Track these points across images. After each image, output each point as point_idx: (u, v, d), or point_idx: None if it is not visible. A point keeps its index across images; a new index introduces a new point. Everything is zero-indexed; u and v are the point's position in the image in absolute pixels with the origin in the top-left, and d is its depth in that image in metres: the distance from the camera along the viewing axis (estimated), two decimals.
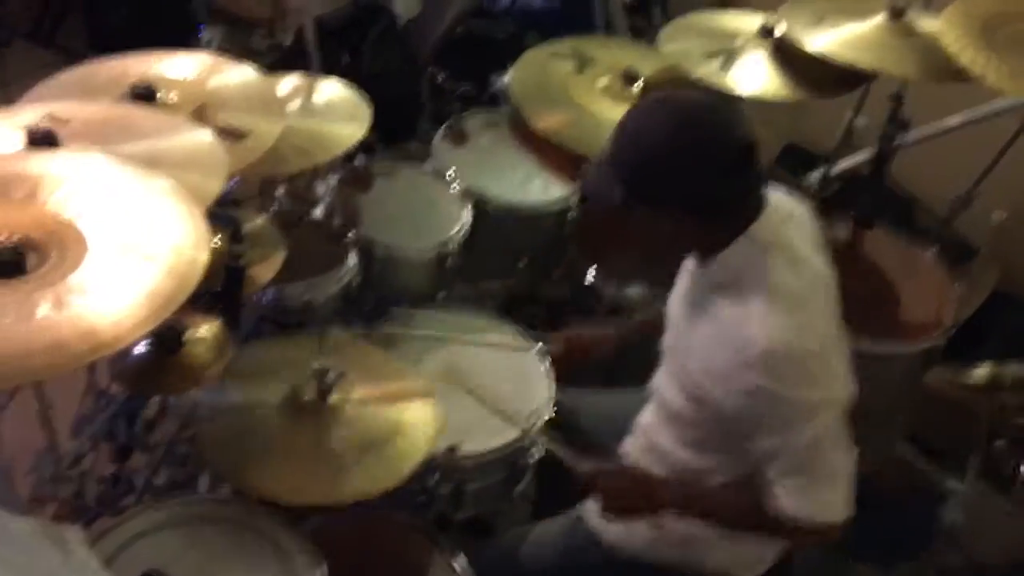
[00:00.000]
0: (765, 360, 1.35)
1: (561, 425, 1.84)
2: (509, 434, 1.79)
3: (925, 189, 2.91)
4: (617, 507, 1.58)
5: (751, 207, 1.43)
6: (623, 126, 1.42)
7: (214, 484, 1.77)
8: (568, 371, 1.88)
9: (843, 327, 1.52)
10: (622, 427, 1.75)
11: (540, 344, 1.92)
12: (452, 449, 1.73)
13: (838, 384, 1.43)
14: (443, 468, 1.74)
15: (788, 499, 1.44)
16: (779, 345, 1.35)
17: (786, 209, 1.51)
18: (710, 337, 1.45)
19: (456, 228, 2.11)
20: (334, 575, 1.45)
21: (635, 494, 1.57)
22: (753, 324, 1.37)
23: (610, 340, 1.89)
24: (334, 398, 1.61)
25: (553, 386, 1.87)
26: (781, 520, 1.45)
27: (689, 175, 1.37)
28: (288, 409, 1.62)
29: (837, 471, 1.44)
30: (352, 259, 2.00)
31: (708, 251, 1.45)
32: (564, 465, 1.69)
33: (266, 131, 1.73)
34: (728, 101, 1.45)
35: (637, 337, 1.85)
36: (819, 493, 1.43)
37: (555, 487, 1.99)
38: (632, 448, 1.71)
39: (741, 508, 1.52)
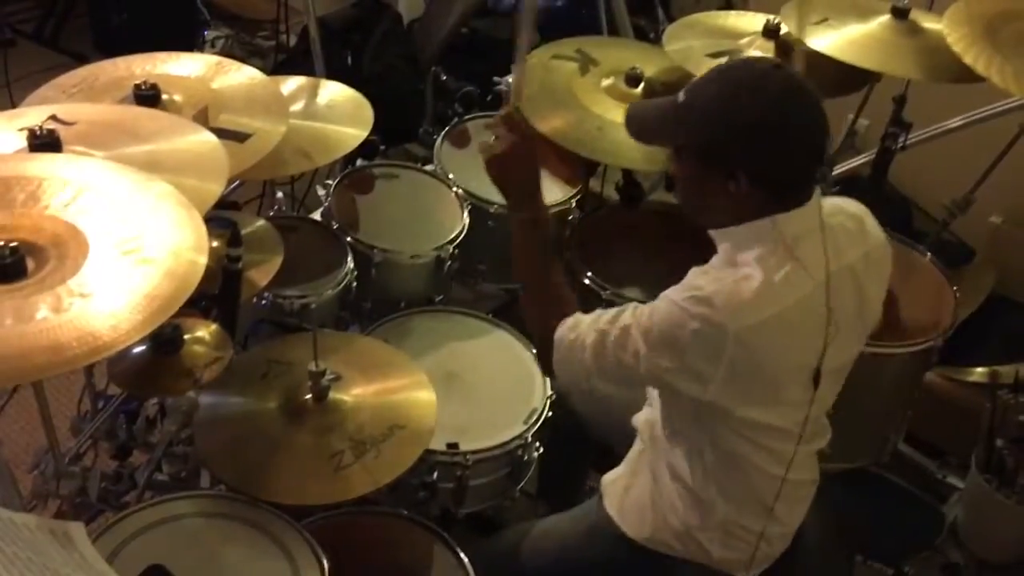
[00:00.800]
0: (697, 302, 1.35)
1: (561, 420, 1.84)
2: (510, 431, 1.80)
3: (923, 192, 2.91)
4: (499, 177, 1.62)
5: (800, 196, 1.42)
6: (715, 78, 1.40)
7: (216, 480, 1.77)
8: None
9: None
10: (619, 421, 1.75)
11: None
12: (453, 446, 1.73)
13: (717, 384, 1.38)
14: (445, 465, 1.74)
15: (573, 330, 1.46)
16: (712, 296, 1.34)
17: (828, 209, 1.47)
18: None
19: (455, 231, 2.11)
20: (337, 571, 1.45)
21: (516, 181, 1.61)
22: (711, 276, 1.38)
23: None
24: (332, 398, 1.61)
25: (550, 384, 1.87)
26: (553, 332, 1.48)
27: (777, 146, 1.36)
28: (286, 410, 1.62)
29: (594, 366, 1.44)
30: (350, 262, 1.99)
31: (731, 221, 1.43)
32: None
33: (268, 133, 1.73)
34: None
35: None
36: (580, 353, 1.45)
37: (557, 482, 2.00)
38: (639, 420, 1.71)
39: (543, 296, 1.55)
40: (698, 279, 1.41)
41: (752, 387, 1.41)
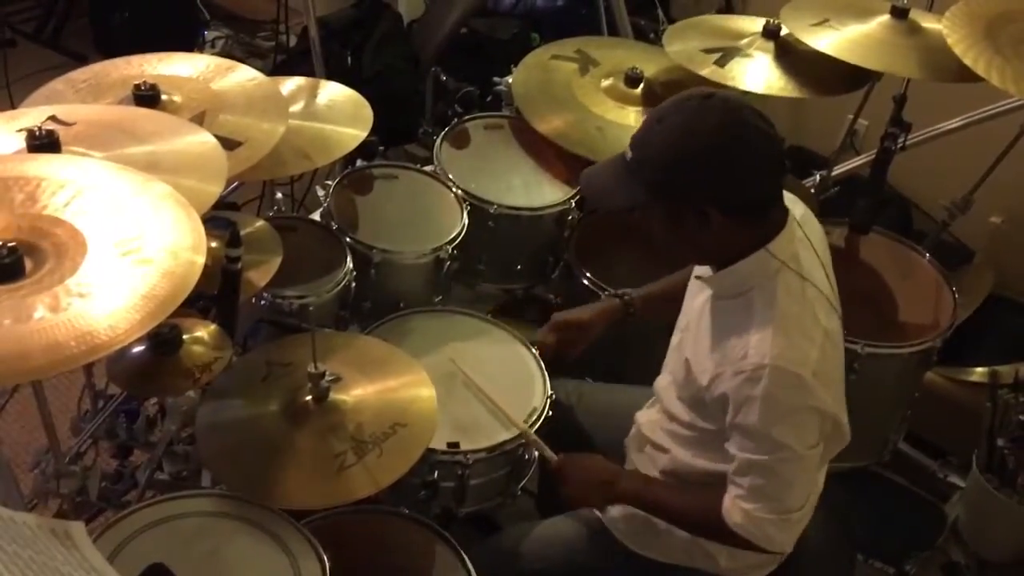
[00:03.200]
0: (758, 373, 1.37)
1: (559, 421, 1.84)
2: (510, 431, 1.80)
3: (923, 192, 2.91)
4: (576, 493, 1.63)
5: (777, 216, 1.45)
6: (655, 128, 1.41)
7: (217, 479, 1.78)
8: (562, 357, 1.88)
9: (842, 345, 1.53)
10: (620, 423, 1.75)
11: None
12: (454, 445, 1.73)
13: (826, 403, 1.43)
14: (446, 464, 1.75)
15: (736, 511, 1.45)
16: (772, 361, 1.37)
17: (800, 217, 1.51)
18: (712, 343, 1.46)
19: (454, 231, 2.11)
20: (337, 570, 1.45)
21: (594, 481, 1.62)
22: (753, 339, 1.39)
23: (606, 316, 1.86)
24: (332, 399, 1.62)
25: (550, 384, 1.87)
26: (728, 528, 1.46)
27: (731, 175, 1.38)
28: (287, 413, 1.62)
29: (792, 503, 1.45)
30: (350, 262, 2.00)
31: (728, 258, 1.46)
32: (538, 454, 1.75)
33: (267, 134, 1.73)
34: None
35: (636, 313, 1.85)
36: (767, 516, 1.44)
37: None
38: (630, 443, 1.71)
39: (694, 509, 1.54)
40: (738, 345, 1.41)
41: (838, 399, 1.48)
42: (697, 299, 1.56)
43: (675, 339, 1.64)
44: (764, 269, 1.43)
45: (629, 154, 1.43)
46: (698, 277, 1.56)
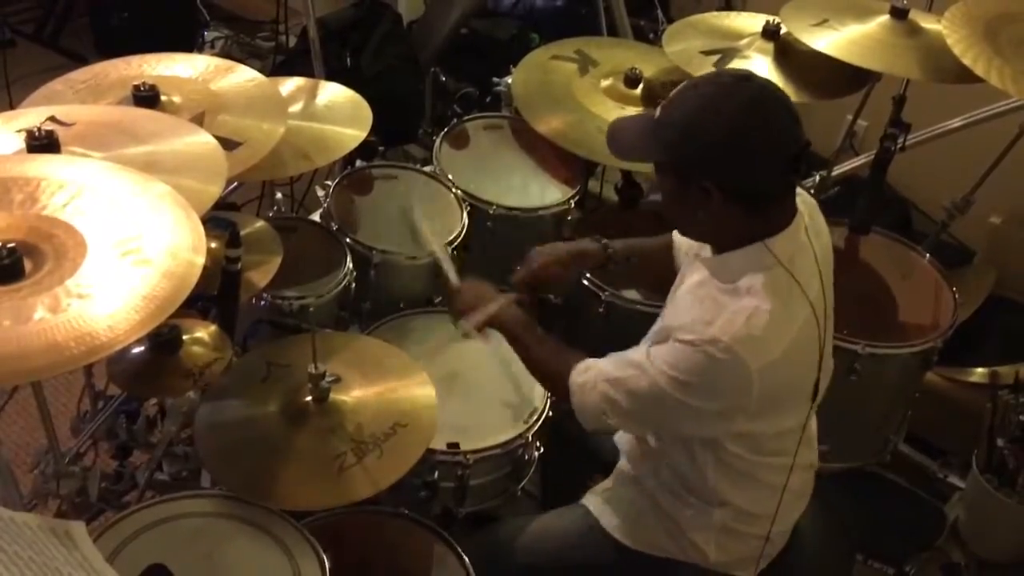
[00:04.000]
0: (711, 343, 1.37)
1: (559, 421, 1.84)
2: (510, 431, 1.80)
3: (922, 193, 2.91)
4: (466, 299, 1.73)
5: (783, 213, 1.44)
6: (687, 93, 1.42)
7: (216, 479, 1.77)
8: (544, 288, 1.91)
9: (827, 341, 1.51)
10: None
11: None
12: (454, 446, 1.73)
13: (744, 408, 1.42)
14: (446, 464, 1.75)
15: (585, 377, 1.51)
16: (731, 341, 1.36)
17: (810, 223, 1.50)
18: (689, 311, 1.46)
19: (454, 232, 2.11)
20: (337, 570, 1.45)
21: (482, 296, 1.71)
22: (725, 316, 1.39)
23: (584, 254, 1.83)
24: (332, 399, 1.62)
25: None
26: (565, 384, 1.54)
27: (740, 159, 1.38)
28: (287, 413, 1.62)
29: (622, 412, 1.48)
30: (349, 263, 2.00)
31: (725, 243, 1.46)
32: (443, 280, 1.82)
33: (267, 135, 1.74)
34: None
35: (614, 257, 1.83)
36: (599, 402, 1.49)
37: (558, 481, 2.00)
38: (621, 440, 1.72)
39: (550, 362, 1.61)
40: (705, 312, 1.41)
41: (771, 409, 1.45)
42: (691, 278, 1.55)
43: (661, 320, 1.65)
44: (758, 262, 1.43)
45: (657, 112, 1.44)
46: (697, 256, 1.56)
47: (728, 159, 1.38)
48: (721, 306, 1.41)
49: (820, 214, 1.58)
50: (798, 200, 1.48)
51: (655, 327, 1.60)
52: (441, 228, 2.12)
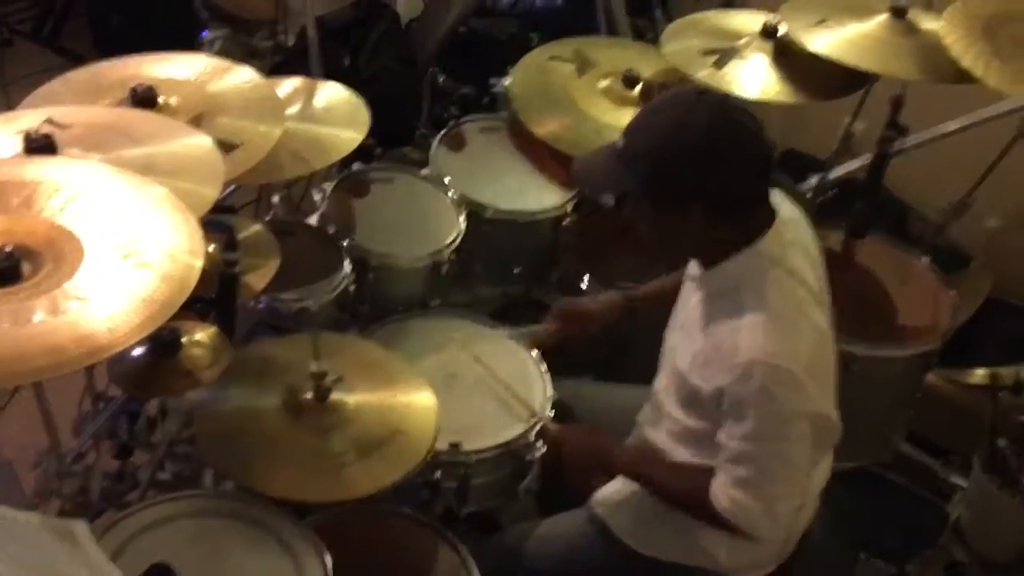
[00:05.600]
0: (749, 369, 1.37)
1: (559, 422, 1.84)
2: (511, 431, 1.80)
3: (919, 196, 2.90)
4: (576, 465, 1.66)
5: (763, 216, 1.46)
6: (649, 120, 1.43)
7: (219, 478, 1.78)
8: (567, 346, 1.88)
9: (835, 341, 1.53)
10: (619, 423, 1.75)
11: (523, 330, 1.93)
12: (455, 446, 1.74)
13: (818, 403, 1.44)
14: (447, 464, 1.75)
15: (723, 496, 1.46)
16: (765, 358, 1.37)
17: (789, 218, 1.52)
18: (704, 342, 1.47)
19: (452, 235, 2.11)
20: (339, 570, 1.45)
21: (592, 452, 1.65)
22: (744, 336, 1.39)
23: (610, 309, 1.86)
24: (333, 399, 1.62)
25: (551, 384, 1.88)
26: (714, 511, 1.48)
27: (718, 171, 1.39)
28: (288, 411, 1.62)
29: (777, 494, 1.45)
30: (347, 266, 2.00)
31: (714, 256, 1.46)
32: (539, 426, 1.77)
33: (264, 136, 1.73)
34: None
35: (639, 307, 1.86)
36: (753, 504, 1.44)
37: (560, 481, 2.00)
38: (631, 443, 1.72)
39: (684, 490, 1.55)
40: (728, 342, 1.41)
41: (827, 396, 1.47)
42: (691, 300, 1.56)
43: (670, 339, 1.65)
44: (753, 267, 1.44)
45: (621, 143, 1.45)
46: (690, 277, 1.57)
47: (706, 175, 1.39)
48: (733, 328, 1.41)
49: (789, 204, 1.57)
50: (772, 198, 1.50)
51: (669, 359, 1.61)
52: (438, 231, 2.12)
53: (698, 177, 1.39)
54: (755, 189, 1.43)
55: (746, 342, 1.39)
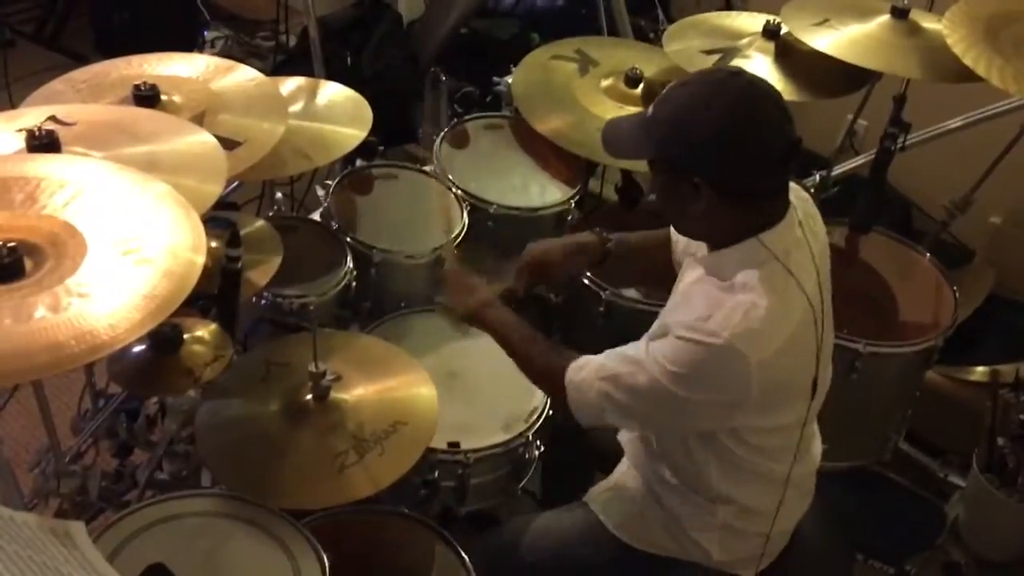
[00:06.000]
0: (710, 339, 1.36)
1: (562, 423, 1.84)
2: (510, 430, 1.80)
3: (922, 192, 2.91)
4: (454, 294, 1.72)
5: (775, 210, 1.44)
6: (678, 91, 1.42)
7: (216, 478, 1.78)
8: (534, 280, 1.84)
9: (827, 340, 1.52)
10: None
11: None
12: (454, 445, 1.73)
13: (744, 402, 1.41)
14: (446, 464, 1.75)
15: (589, 373, 1.48)
16: (729, 339, 1.36)
17: (804, 217, 1.50)
18: (687, 307, 1.46)
19: (454, 231, 2.11)
20: (338, 570, 1.45)
21: (472, 289, 1.70)
22: (723, 311, 1.39)
23: (579, 253, 1.82)
24: (333, 398, 1.62)
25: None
26: (562, 384, 1.51)
27: (728, 154, 1.38)
28: (287, 412, 1.62)
29: (624, 407, 1.46)
30: (350, 262, 2.00)
31: (719, 240, 1.46)
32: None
33: (267, 134, 1.74)
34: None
35: (612, 253, 1.82)
36: (599, 398, 1.47)
37: (559, 481, 2.00)
38: (624, 439, 1.72)
39: (541, 362, 1.58)
40: (702, 308, 1.41)
41: (770, 403, 1.44)
42: (689, 276, 1.55)
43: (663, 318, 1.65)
44: (753, 257, 1.43)
45: (650, 111, 1.45)
46: (693, 256, 1.56)
47: (718, 156, 1.38)
48: (718, 302, 1.41)
49: (815, 208, 1.57)
50: (792, 196, 1.48)
51: (655, 325, 1.60)
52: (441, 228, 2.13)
53: (709, 157, 1.38)
54: (768, 180, 1.41)
55: (721, 318, 1.38)
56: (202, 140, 1.60)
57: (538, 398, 1.88)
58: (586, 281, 2.06)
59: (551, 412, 1.85)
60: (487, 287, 1.72)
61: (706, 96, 1.38)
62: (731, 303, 1.40)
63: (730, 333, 1.36)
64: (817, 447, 1.66)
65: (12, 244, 1.25)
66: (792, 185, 1.49)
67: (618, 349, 1.50)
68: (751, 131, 1.37)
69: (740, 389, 1.39)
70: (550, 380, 1.56)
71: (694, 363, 1.38)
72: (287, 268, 1.76)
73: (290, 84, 2.09)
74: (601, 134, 1.55)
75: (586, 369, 1.50)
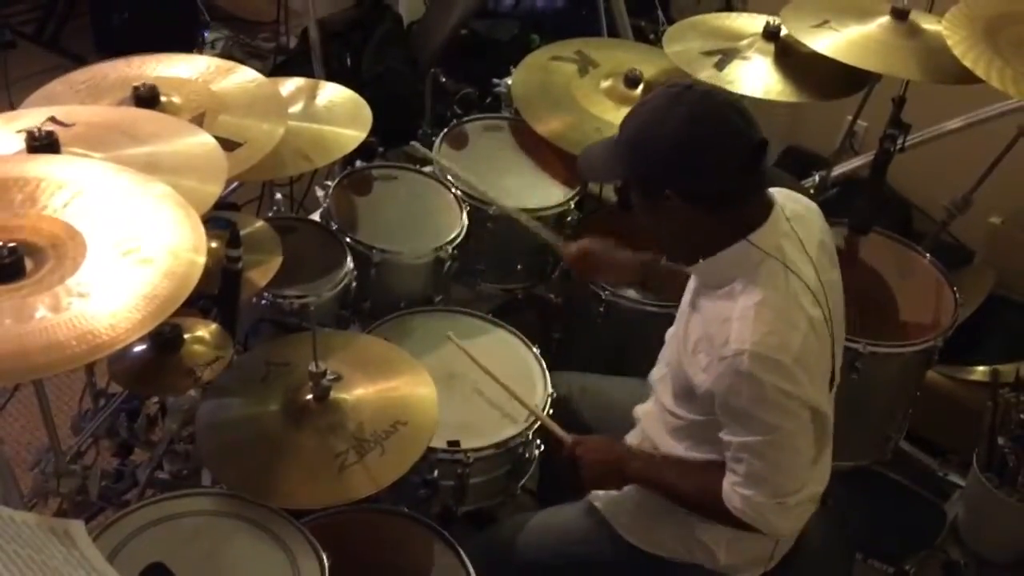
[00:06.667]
0: (739, 358, 1.38)
1: (560, 416, 1.85)
2: (510, 430, 1.81)
3: (922, 193, 2.91)
4: (591, 474, 1.64)
5: (757, 210, 1.46)
6: (638, 110, 1.46)
7: (217, 478, 1.78)
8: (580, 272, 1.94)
9: (838, 335, 1.53)
10: (621, 416, 1.76)
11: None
12: (454, 444, 1.74)
13: (809, 393, 1.43)
14: (445, 463, 1.75)
15: (735, 496, 1.47)
16: (752, 348, 1.38)
17: (793, 214, 1.52)
18: (699, 332, 1.48)
19: (454, 232, 2.11)
20: (337, 569, 1.45)
21: (606, 461, 1.63)
22: (734, 326, 1.40)
23: (627, 270, 1.88)
24: (333, 397, 1.62)
25: (550, 382, 1.88)
26: (728, 511, 1.48)
27: (693, 163, 1.40)
28: (288, 412, 1.62)
29: (788, 487, 1.45)
30: (350, 262, 2.00)
31: (706, 248, 1.47)
32: (550, 435, 1.77)
33: (267, 135, 1.74)
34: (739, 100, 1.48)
35: (651, 279, 1.88)
36: (764, 501, 1.44)
37: (558, 479, 2.00)
38: (631, 439, 1.72)
39: (696, 492, 1.55)
40: (719, 332, 1.42)
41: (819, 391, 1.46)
42: (690, 290, 1.57)
43: (671, 329, 1.66)
44: (746, 259, 1.44)
45: (618, 134, 1.49)
46: (689, 267, 1.58)
47: (678, 167, 1.41)
48: (724, 319, 1.42)
49: (802, 201, 1.58)
50: (779, 196, 1.50)
51: (669, 348, 1.61)
52: (440, 228, 2.12)
53: (670, 169, 1.41)
54: (739, 183, 1.43)
55: (736, 332, 1.39)
56: (202, 141, 1.61)
57: (538, 398, 1.88)
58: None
59: (551, 412, 1.85)
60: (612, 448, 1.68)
61: (662, 111, 1.42)
62: (737, 313, 1.41)
63: (751, 344, 1.38)
64: (828, 453, 1.66)
65: (12, 244, 1.25)
66: (781, 190, 1.52)
67: (730, 455, 1.47)
68: (710, 138, 1.40)
69: (794, 385, 1.39)
70: (711, 510, 1.53)
71: (755, 382, 1.38)
72: (287, 268, 1.76)
73: (290, 85, 2.10)
74: (577, 162, 1.60)
75: (736, 495, 1.47)
